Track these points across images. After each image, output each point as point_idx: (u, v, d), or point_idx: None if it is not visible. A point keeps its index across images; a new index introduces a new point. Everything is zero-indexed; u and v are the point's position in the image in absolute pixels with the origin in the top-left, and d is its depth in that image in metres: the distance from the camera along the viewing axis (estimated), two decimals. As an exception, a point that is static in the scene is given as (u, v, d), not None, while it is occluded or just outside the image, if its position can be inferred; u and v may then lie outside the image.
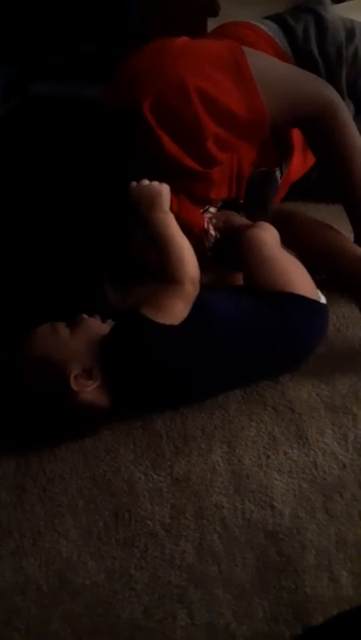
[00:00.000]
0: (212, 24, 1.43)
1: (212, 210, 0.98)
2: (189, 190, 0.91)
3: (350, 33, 1.12)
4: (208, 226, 0.97)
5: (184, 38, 0.89)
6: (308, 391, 0.85)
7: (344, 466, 0.76)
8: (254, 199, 1.05)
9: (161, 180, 0.82)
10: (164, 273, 0.77)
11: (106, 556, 0.68)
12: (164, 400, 0.80)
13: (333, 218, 1.03)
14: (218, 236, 0.97)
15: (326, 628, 0.55)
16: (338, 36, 1.11)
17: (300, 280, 0.82)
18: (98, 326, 0.78)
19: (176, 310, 0.76)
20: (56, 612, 0.63)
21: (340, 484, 0.74)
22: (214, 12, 1.81)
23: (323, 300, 0.82)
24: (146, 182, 0.80)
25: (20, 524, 0.71)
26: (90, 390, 0.73)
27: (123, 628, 0.62)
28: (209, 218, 0.97)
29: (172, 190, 0.84)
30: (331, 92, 0.93)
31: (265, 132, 0.89)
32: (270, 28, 1.10)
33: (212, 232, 0.96)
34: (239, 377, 0.82)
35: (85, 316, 0.79)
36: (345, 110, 0.93)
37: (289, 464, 0.76)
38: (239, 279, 0.89)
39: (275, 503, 0.72)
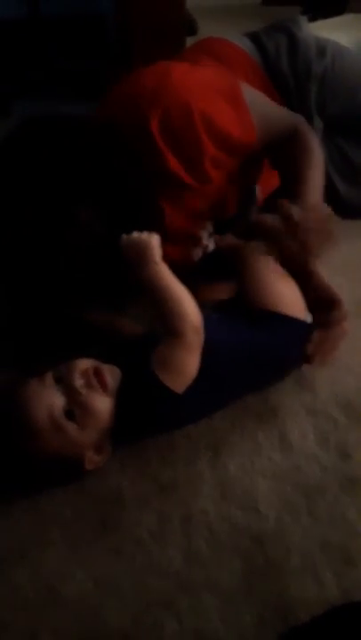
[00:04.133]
0: (191, 43, 1.47)
1: (209, 227, 1.01)
2: (184, 203, 0.95)
3: (321, 52, 1.17)
4: (207, 238, 0.99)
5: (185, 64, 0.95)
6: (289, 397, 0.86)
7: (326, 469, 0.77)
8: (238, 214, 1.08)
9: (158, 192, 0.84)
10: (165, 327, 0.73)
11: (94, 565, 0.68)
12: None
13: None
14: (211, 248, 0.99)
15: (311, 626, 0.56)
16: (308, 54, 1.16)
17: (292, 300, 0.83)
18: (106, 410, 0.71)
19: (188, 367, 0.72)
20: (44, 624, 0.63)
21: (323, 486, 0.75)
22: (193, 31, 1.86)
23: (310, 319, 0.84)
24: (135, 234, 0.77)
25: (7, 535, 0.71)
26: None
27: (111, 637, 0.62)
28: (210, 232, 1.00)
29: (169, 202, 0.88)
30: (296, 119, 1.01)
31: (253, 152, 0.96)
32: (245, 45, 1.15)
33: (211, 245, 0.98)
34: (230, 398, 0.83)
35: (95, 404, 0.70)
36: (309, 136, 0.99)
37: (273, 468, 0.77)
38: (218, 291, 0.91)
39: (260, 507, 0.73)
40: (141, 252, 0.75)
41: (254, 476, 0.76)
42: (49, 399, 0.68)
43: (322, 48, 1.17)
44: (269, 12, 2.32)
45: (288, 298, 0.83)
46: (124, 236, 0.77)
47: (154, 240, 0.77)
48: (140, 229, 0.80)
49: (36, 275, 0.85)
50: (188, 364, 0.72)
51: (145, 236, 0.77)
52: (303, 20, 1.24)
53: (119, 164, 0.84)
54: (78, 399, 0.69)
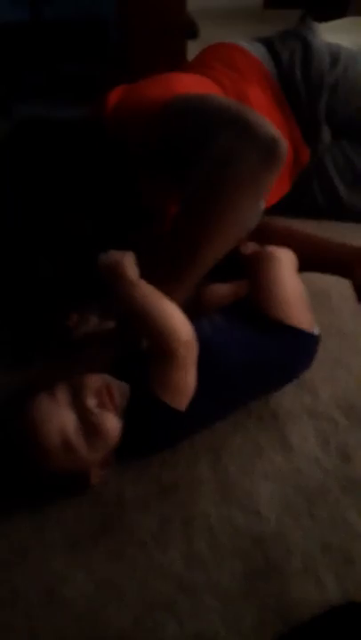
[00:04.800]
0: (192, 46, 1.48)
1: None
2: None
3: (335, 60, 1.16)
4: None
5: (189, 78, 0.96)
6: (291, 399, 0.86)
7: (327, 471, 0.77)
8: None
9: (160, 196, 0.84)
10: (153, 347, 0.72)
11: (95, 567, 0.68)
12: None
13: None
14: None
15: (311, 626, 0.56)
16: (322, 65, 1.14)
17: (301, 312, 0.82)
18: (116, 429, 0.69)
19: (186, 384, 0.71)
20: (44, 625, 0.63)
21: (324, 488, 0.75)
22: (194, 35, 1.86)
23: (317, 331, 0.83)
24: (107, 255, 0.74)
25: (8, 536, 0.71)
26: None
27: (112, 639, 0.62)
28: None
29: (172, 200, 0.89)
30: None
31: None
32: (258, 51, 1.13)
33: None
34: (235, 407, 0.83)
35: (107, 424, 0.68)
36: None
37: (274, 471, 0.77)
38: (224, 291, 0.90)
39: (261, 509, 0.73)
40: (115, 272, 0.72)
41: (255, 479, 0.76)
42: (61, 419, 0.67)
43: (335, 56, 1.16)
44: (270, 15, 2.33)
45: (300, 309, 0.82)
46: (100, 257, 0.74)
47: (127, 259, 0.73)
48: (130, 233, 0.81)
49: (24, 273, 0.86)
50: (185, 381, 0.71)
51: (117, 255, 0.73)
52: (317, 26, 1.23)
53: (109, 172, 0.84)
54: (90, 419, 0.67)
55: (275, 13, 2.30)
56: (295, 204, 1.22)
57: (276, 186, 1.12)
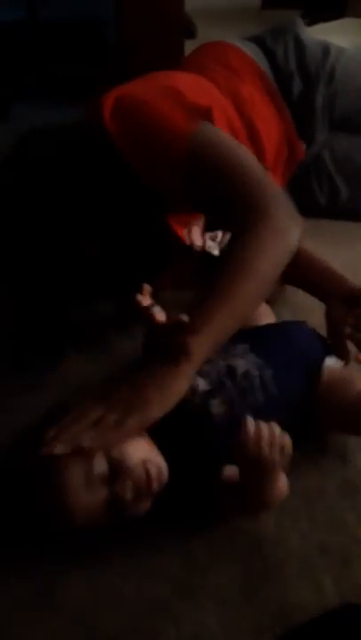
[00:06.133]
0: (189, 46, 1.47)
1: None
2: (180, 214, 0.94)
3: (326, 51, 1.18)
4: (202, 238, 0.99)
5: (188, 77, 0.96)
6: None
7: (325, 474, 0.77)
8: None
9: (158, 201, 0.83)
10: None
11: (92, 571, 0.68)
12: None
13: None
14: (210, 245, 0.98)
15: (308, 628, 0.55)
16: (316, 54, 1.16)
17: None
18: (144, 509, 0.66)
19: None
20: (40, 628, 0.63)
21: (322, 491, 0.75)
22: (192, 35, 1.86)
23: None
24: None
25: (3, 540, 0.70)
26: None
27: (109, 642, 0.62)
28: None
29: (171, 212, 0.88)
30: (272, 192, 0.78)
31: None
32: (251, 50, 1.14)
33: (210, 242, 0.98)
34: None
35: (137, 511, 0.65)
36: (278, 227, 0.74)
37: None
38: None
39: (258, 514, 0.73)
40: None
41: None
42: (90, 498, 0.62)
43: (325, 48, 1.18)
44: (268, 15, 2.33)
45: None
46: None
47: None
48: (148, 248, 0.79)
49: (37, 278, 0.86)
50: None
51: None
52: (301, 22, 1.24)
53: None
54: (123, 506, 0.63)
55: (272, 14, 2.30)
56: (294, 202, 1.21)
57: (274, 177, 1.12)
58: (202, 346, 0.65)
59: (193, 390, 0.70)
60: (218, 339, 0.67)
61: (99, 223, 0.84)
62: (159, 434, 0.66)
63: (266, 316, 0.90)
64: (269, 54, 1.16)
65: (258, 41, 1.18)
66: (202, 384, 0.72)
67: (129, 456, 0.63)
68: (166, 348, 0.64)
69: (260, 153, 1.04)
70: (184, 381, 0.65)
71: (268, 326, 0.88)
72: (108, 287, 0.92)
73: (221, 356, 0.76)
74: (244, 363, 0.75)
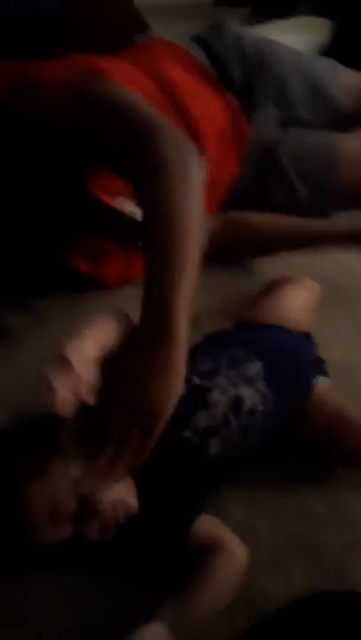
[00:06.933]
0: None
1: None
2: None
3: (259, 37, 1.33)
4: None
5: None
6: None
7: (294, 463, 0.77)
8: None
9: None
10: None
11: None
12: None
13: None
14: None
15: (277, 617, 0.55)
16: (250, 42, 1.27)
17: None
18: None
19: None
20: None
21: (291, 481, 0.75)
22: (143, 32, 1.84)
23: None
24: None
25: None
26: None
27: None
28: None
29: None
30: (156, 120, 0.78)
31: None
32: (185, 42, 1.23)
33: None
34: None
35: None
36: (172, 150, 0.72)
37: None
38: None
39: (226, 504, 0.72)
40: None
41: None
42: (53, 532, 0.61)
43: (258, 36, 1.32)
44: (220, 12, 2.34)
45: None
46: None
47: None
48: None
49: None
50: None
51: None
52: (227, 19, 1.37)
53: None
54: (85, 541, 0.63)
55: (225, 11, 2.30)
56: (255, 203, 1.21)
57: (222, 160, 1.13)
58: (180, 321, 0.61)
59: (194, 429, 0.69)
60: (188, 304, 0.62)
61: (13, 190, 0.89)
62: (148, 464, 0.61)
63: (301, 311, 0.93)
64: (203, 44, 1.24)
65: (193, 37, 1.28)
66: (204, 419, 0.70)
67: (102, 498, 0.62)
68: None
69: (191, 127, 1.07)
70: (179, 383, 0.60)
71: (283, 339, 0.85)
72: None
73: (233, 374, 0.74)
74: (252, 394, 0.73)
